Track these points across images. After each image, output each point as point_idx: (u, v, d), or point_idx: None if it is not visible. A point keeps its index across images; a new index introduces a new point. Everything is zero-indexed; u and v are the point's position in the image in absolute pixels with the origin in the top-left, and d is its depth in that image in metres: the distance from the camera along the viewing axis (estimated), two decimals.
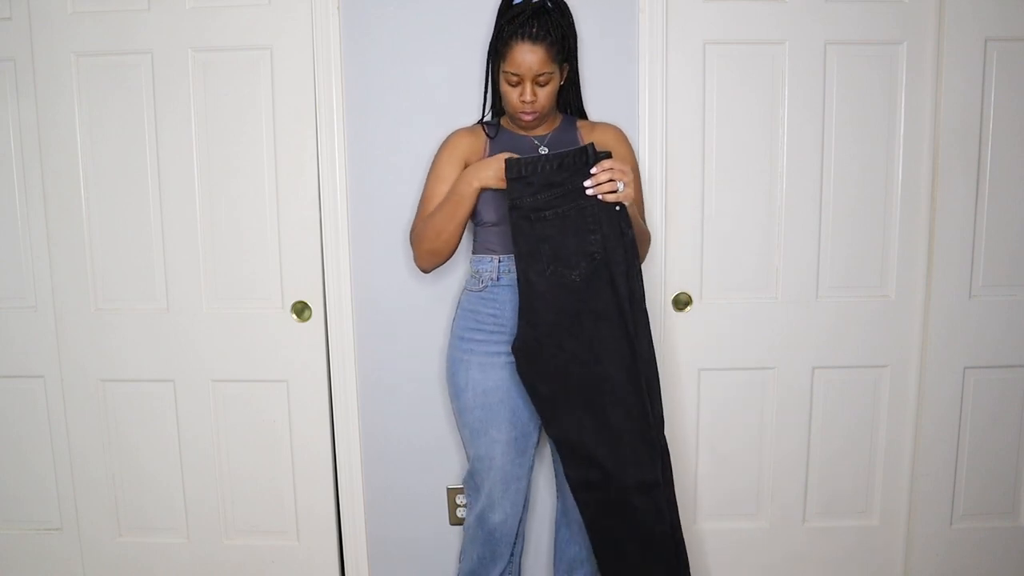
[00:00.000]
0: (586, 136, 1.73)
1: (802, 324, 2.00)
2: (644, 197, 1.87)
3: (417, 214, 1.73)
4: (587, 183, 1.53)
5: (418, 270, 1.78)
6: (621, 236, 1.55)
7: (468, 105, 1.92)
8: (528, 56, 1.57)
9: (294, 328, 2.01)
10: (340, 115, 1.92)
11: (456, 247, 1.67)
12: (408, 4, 1.90)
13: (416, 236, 1.70)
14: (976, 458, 2.06)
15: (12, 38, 1.92)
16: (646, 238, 1.76)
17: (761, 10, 1.89)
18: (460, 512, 2.07)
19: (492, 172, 1.58)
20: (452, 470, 2.07)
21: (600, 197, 1.53)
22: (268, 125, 1.94)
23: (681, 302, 1.97)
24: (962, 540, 2.09)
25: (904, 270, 1.98)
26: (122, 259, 2.00)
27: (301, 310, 1.99)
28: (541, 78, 1.60)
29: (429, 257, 1.69)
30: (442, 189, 1.68)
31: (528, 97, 1.60)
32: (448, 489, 2.07)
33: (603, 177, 1.52)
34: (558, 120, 1.76)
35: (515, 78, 1.60)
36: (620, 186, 1.53)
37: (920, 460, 2.05)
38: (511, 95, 1.63)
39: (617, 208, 1.55)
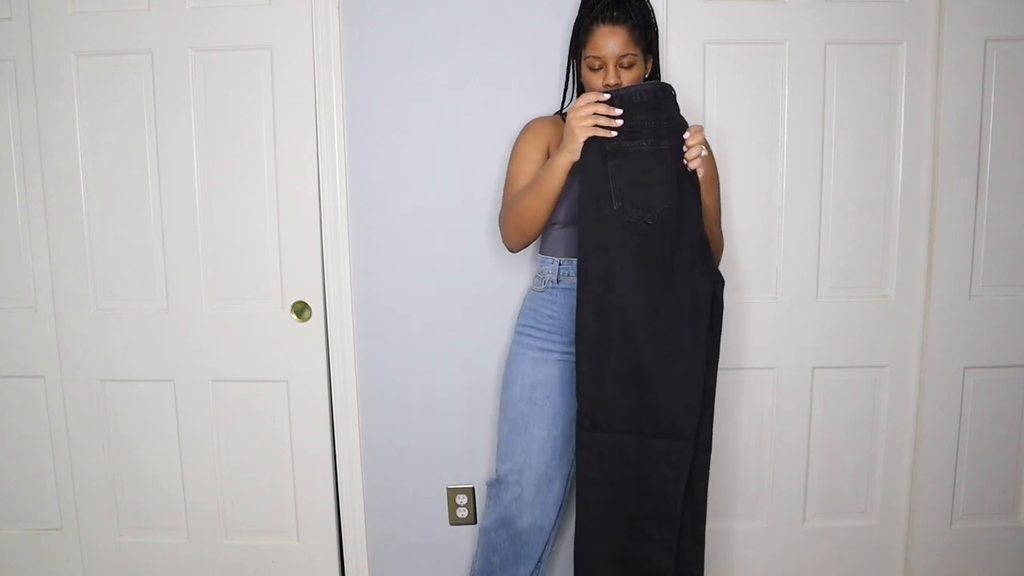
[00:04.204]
0: None
1: (802, 324, 2.00)
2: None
3: (504, 196, 1.71)
4: (689, 137, 1.48)
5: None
6: (692, 204, 1.49)
7: (469, 105, 1.93)
8: (609, 38, 1.54)
9: (294, 328, 2.01)
10: (340, 115, 1.92)
11: (542, 227, 1.63)
12: (408, 4, 1.90)
13: (503, 215, 1.68)
14: (976, 458, 2.06)
15: (12, 38, 1.92)
16: (719, 244, 1.72)
17: (761, 10, 1.89)
18: (460, 512, 2.07)
19: (577, 136, 1.50)
20: (452, 470, 2.07)
21: (686, 160, 1.49)
22: (268, 125, 1.94)
23: None
24: (962, 540, 2.09)
25: (904, 270, 1.98)
26: (122, 259, 2.00)
27: (301, 310, 1.99)
28: (624, 60, 1.55)
29: (515, 235, 1.66)
30: (526, 168, 1.66)
31: (611, 80, 1.55)
32: (448, 489, 2.07)
33: (698, 138, 1.49)
34: None
35: (597, 62, 1.57)
36: (701, 151, 1.50)
37: (920, 460, 2.05)
38: (594, 81, 1.59)
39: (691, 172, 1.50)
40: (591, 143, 1.48)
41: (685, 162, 1.50)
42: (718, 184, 1.73)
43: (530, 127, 1.73)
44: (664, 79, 1.87)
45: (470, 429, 2.04)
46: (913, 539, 2.09)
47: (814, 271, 1.98)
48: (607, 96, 1.48)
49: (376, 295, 2.01)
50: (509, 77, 1.92)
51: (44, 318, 2.03)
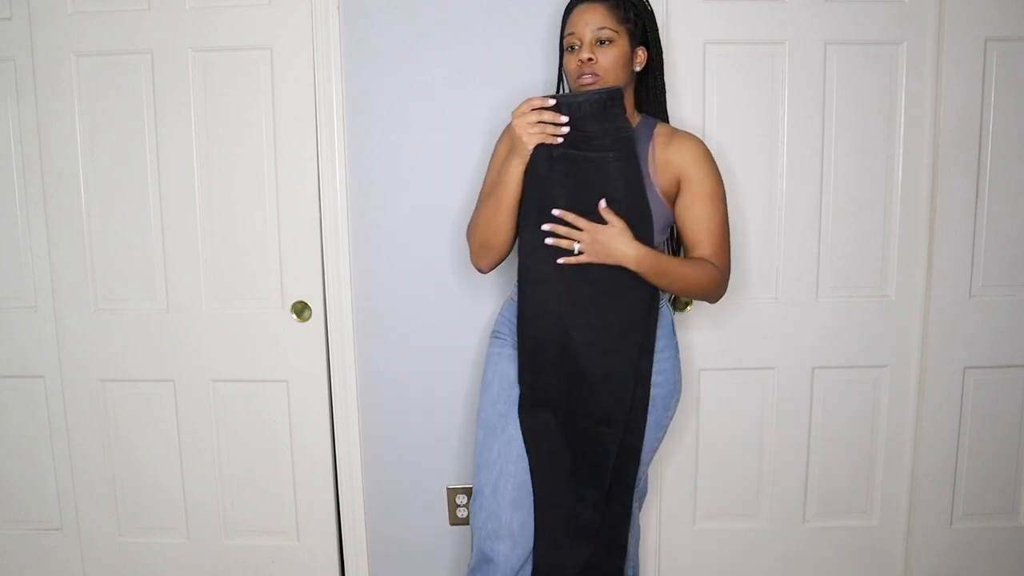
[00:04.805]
0: (661, 146, 1.54)
1: (802, 324, 2.00)
2: (715, 222, 1.55)
3: (475, 208, 1.63)
4: (545, 227, 1.45)
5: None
6: (635, 214, 1.49)
7: (468, 105, 1.93)
8: (585, 13, 1.48)
9: (294, 328, 2.01)
10: (340, 115, 1.92)
11: (510, 242, 1.55)
12: (408, 4, 1.90)
13: (469, 230, 1.60)
14: (976, 458, 2.06)
15: (12, 38, 1.92)
16: (706, 279, 1.52)
17: (761, 10, 1.89)
18: (460, 512, 2.07)
19: (526, 144, 1.45)
20: (452, 470, 2.07)
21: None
22: (268, 125, 1.94)
23: (681, 302, 1.97)
24: (962, 540, 2.09)
25: (904, 270, 1.98)
26: (122, 259, 2.00)
27: (301, 310, 1.99)
28: (602, 33, 1.46)
29: (481, 252, 1.58)
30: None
31: (585, 55, 1.46)
32: (448, 489, 2.08)
33: (560, 230, 1.45)
34: (635, 120, 1.58)
35: (574, 39, 1.49)
36: (576, 247, 1.45)
37: (920, 460, 2.05)
38: (570, 63, 1.51)
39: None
40: (539, 148, 1.47)
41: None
42: (724, 203, 1.57)
43: (506, 132, 1.62)
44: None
45: (470, 429, 2.04)
46: (913, 539, 2.09)
47: (814, 271, 1.98)
48: (552, 101, 1.44)
49: (376, 295, 2.01)
50: (509, 77, 1.92)
51: (44, 318, 2.03)
